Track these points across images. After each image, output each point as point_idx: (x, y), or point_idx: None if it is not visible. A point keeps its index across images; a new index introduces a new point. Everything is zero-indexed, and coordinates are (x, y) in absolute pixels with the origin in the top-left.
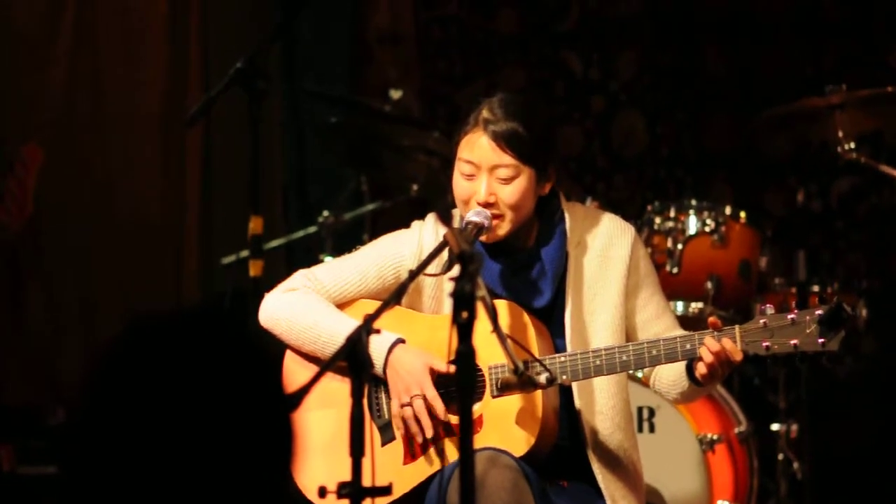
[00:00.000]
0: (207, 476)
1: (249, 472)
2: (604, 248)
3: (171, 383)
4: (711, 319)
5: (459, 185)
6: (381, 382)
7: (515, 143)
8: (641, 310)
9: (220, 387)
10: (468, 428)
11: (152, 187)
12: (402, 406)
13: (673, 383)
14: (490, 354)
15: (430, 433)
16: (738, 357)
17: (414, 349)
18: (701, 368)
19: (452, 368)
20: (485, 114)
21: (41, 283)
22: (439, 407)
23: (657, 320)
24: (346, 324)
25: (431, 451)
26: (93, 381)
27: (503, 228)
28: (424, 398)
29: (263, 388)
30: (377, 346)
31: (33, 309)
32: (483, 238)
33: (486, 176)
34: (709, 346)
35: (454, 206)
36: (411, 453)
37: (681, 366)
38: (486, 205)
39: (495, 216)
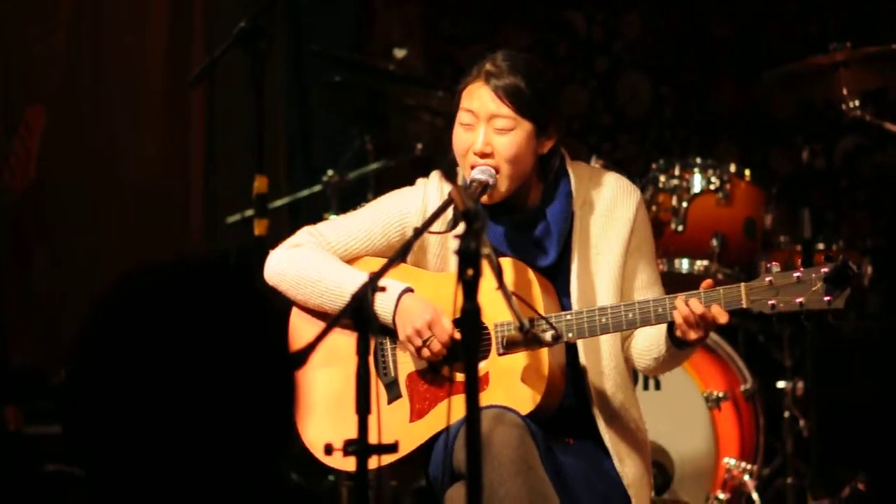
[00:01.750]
0: (209, 429)
1: (251, 424)
2: (609, 208)
3: (168, 333)
4: (704, 282)
5: (458, 137)
6: (388, 334)
7: (515, 96)
8: (636, 275)
9: (219, 336)
10: (474, 385)
11: (156, 148)
12: (415, 329)
13: (647, 348)
14: (496, 312)
15: (438, 346)
16: (722, 319)
17: (422, 298)
18: (677, 330)
19: (457, 332)
20: (488, 66)
21: (46, 245)
22: (451, 329)
23: (647, 290)
24: (353, 276)
25: (437, 408)
26: (88, 332)
27: (503, 184)
28: (437, 320)
29: (265, 338)
30: (385, 299)
31: (38, 271)
32: (485, 199)
33: (484, 125)
34: (679, 308)
35: (457, 164)
36: (417, 411)
37: (658, 330)
38: (483, 155)
39: (493, 169)
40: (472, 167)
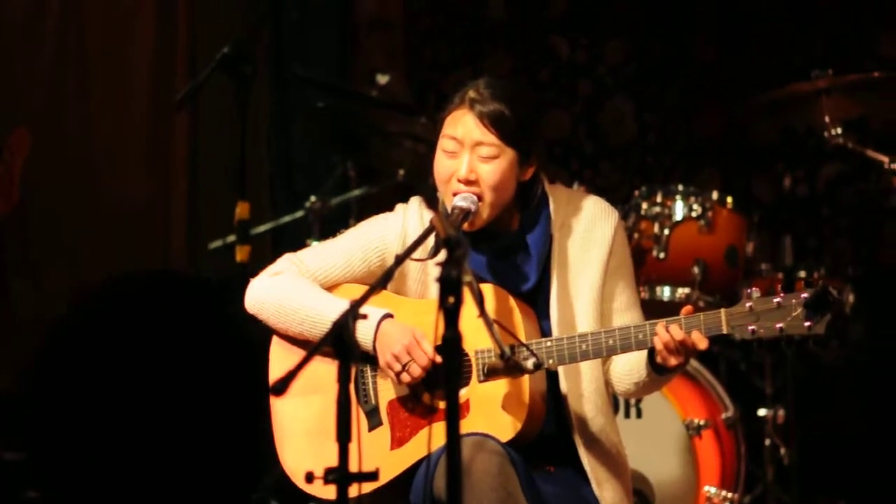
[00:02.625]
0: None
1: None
2: (587, 230)
3: (120, 350)
4: (684, 308)
5: (441, 163)
6: (369, 361)
7: (500, 123)
8: (615, 296)
9: (168, 349)
10: (455, 413)
11: (139, 172)
12: (394, 354)
13: (627, 373)
14: (477, 339)
15: (418, 371)
16: (702, 345)
17: (402, 324)
18: (657, 356)
19: (439, 358)
20: (471, 94)
21: (27, 270)
22: (431, 352)
23: (626, 311)
24: (334, 304)
25: (418, 436)
26: (44, 358)
27: (485, 211)
28: (416, 344)
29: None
30: (365, 326)
31: (19, 294)
32: (465, 226)
33: (468, 153)
34: (659, 334)
35: (437, 190)
36: (398, 438)
37: (639, 355)
38: (467, 182)
39: (476, 196)
40: (455, 194)
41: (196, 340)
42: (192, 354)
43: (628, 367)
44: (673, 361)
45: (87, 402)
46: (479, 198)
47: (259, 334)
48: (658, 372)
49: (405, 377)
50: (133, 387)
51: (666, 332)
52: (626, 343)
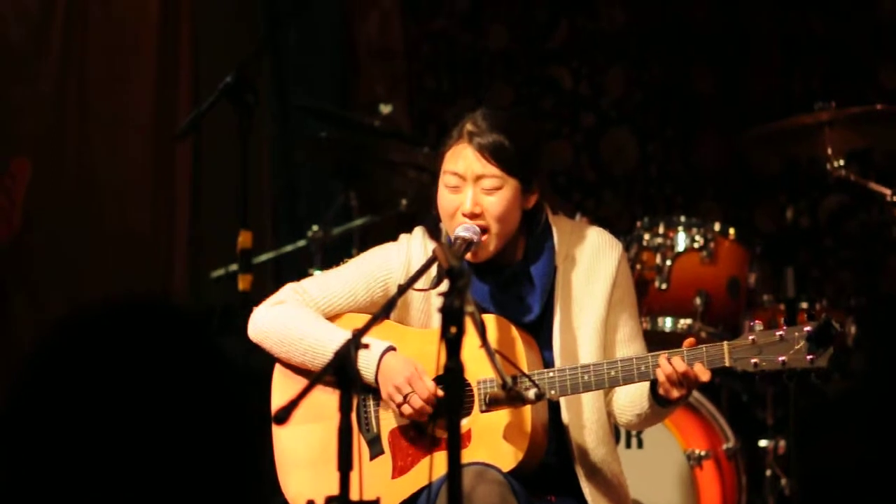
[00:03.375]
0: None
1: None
2: (591, 262)
3: (105, 370)
4: (687, 341)
5: (445, 199)
6: (370, 392)
7: (500, 155)
8: (618, 328)
9: (155, 373)
10: (456, 442)
11: (141, 201)
12: (395, 386)
13: (629, 404)
14: (479, 369)
15: (419, 403)
16: (704, 377)
17: (404, 357)
18: (660, 388)
19: (440, 392)
20: (469, 127)
21: (28, 297)
22: (431, 386)
23: (629, 343)
24: (336, 335)
25: (420, 465)
26: (25, 374)
27: (491, 243)
28: (417, 377)
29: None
30: (368, 356)
31: (20, 322)
32: (469, 257)
33: (472, 187)
34: (662, 366)
35: (440, 219)
36: (399, 468)
37: (641, 387)
38: (472, 216)
39: (482, 230)
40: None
41: (196, 369)
42: (191, 383)
43: (630, 399)
44: (675, 393)
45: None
46: (485, 230)
47: (262, 363)
48: (660, 404)
49: (406, 409)
50: (129, 415)
51: (668, 364)
52: (629, 375)
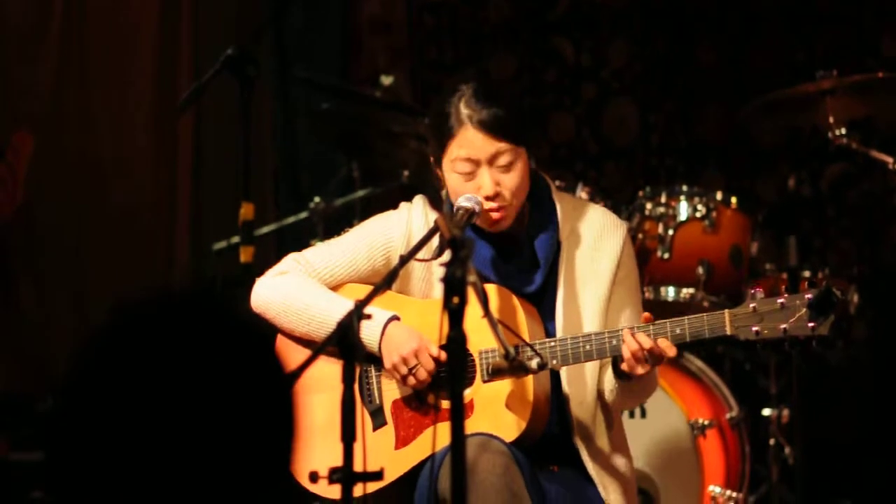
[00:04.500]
0: (201, 463)
1: (249, 458)
2: (595, 240)
3: (158, 367)
4: (644, 315)
5: (461, 187)
6: (374, 362)
7: (505, 128)
8: (619, 307)
9: (209, 370)
10: (459, 413)
11: (143, 174)
12: (402, 357)
13: (608, 380)
14: (481, 339)
15: (424, 375)
16: (670, 352)
17: (408, 327)
18: (624, 364)
19: (443, 354)
20: (465, 110)
21: (32, 272)
22: (437, 353)
23: (630, 322)
24: (340, 304)
25: (423, 436)
26: (80, 366)
27: (508, 219)
28: (423, 349)
29: (259, 368)
30: (371, 326)
31: (24, 297)
32: (489, 227)
33: (487, 168)
34: (626, 341)
35: (440, 188)
36: (402, 438)
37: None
38: (495, 196)
39: (501, 208)
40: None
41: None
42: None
43: (609, 376)
44: (639, 370)
45: (110, 409)
46: (504, 209)
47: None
48: (622, 378)
49: (411, 380)
50: (153, 397)
51: (633, 340)
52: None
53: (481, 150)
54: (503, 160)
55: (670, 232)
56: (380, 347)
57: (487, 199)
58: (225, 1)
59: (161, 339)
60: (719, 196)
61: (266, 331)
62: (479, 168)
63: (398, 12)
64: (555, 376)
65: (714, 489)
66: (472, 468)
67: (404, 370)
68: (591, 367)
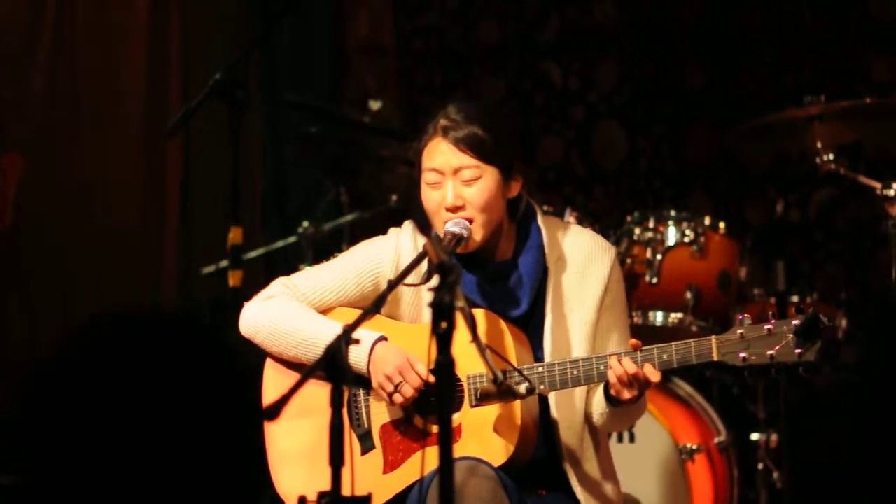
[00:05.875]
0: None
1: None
2: (583, 265)
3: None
4: (632, 342)
5: (428, 196)
6: (362, 385)
7: (475, 144)
8: (607, 332)
9: (179, 386)
10: (447, 437)
11: (132, 197)
12: (386, 375)
13: (596, 403)
14: (469, 364)
15: (410, 392)
16: (654, 378)
17: (395, 346)
18: (611, 389)
19: (432, 378)
20: (443, 122)
21: (19, 292)
22: (423, 371)
23: (618, 347)
24: (328, 328)
25: (411, 460)
26: (36, 381)
27: (478, 233)
28: (408, 366)
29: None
30: (359, 350)
31: (10, 316)
32: (459, 249)
33: (451, 179)
34: (612, 367)
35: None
36: (391, 462)
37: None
38: (455, 208)
39: (467, 221)
40: (446, 222)
41: (191, 368)
42: (187, 381)
43: (597, 398)
44: (626, 395)
45: (82, 425)
46: (470, 221)
47: (254, 359)
48: (612, 404)
49: (397, 398)
50: (128, 414)
51: (619, 365)
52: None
53: (446, 162)
54: (467, 174)
55: (658, 257)
56: (368, 369)
57: (448, 209)
58: (214, 24)
59: (113, 354)
60: (707, 221)
61: (248, 356)
62: (444, 179)
63: (387, 35)
64: (543, 401)
65: None
66: (461, 492)
67: (390, 387)
68: (579, 392)
